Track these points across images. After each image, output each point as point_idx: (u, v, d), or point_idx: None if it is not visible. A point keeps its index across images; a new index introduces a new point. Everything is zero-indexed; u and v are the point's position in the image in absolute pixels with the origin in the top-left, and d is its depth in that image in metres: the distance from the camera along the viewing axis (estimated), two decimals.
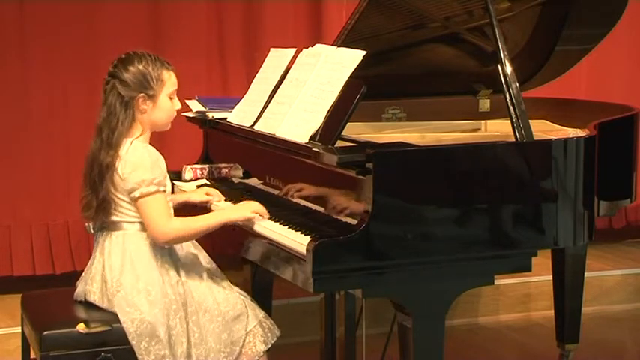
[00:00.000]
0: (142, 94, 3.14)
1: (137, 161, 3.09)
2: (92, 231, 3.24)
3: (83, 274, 3.25)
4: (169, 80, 3.20)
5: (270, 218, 3.18)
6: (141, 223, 3.15)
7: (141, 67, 3.15)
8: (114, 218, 3.16)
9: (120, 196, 3.13)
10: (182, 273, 3.17)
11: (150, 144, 3.21)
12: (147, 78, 3.14)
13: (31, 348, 3.27)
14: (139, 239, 3.15)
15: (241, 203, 3.26)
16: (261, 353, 3.20)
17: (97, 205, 3.14)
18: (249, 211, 3.17)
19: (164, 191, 3.14)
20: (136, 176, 3.08)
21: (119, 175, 3.11)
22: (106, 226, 3.19)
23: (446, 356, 3.02)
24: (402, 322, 3.01)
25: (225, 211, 3.23)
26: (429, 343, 2.99)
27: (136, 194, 3.08)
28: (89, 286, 3.18)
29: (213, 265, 3.30)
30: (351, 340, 3.71)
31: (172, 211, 3.23)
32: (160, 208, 3.11)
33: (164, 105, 3.19)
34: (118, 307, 3.08)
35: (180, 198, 3.47)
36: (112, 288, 3.11)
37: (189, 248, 3.26)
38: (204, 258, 3.28)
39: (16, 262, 4.73)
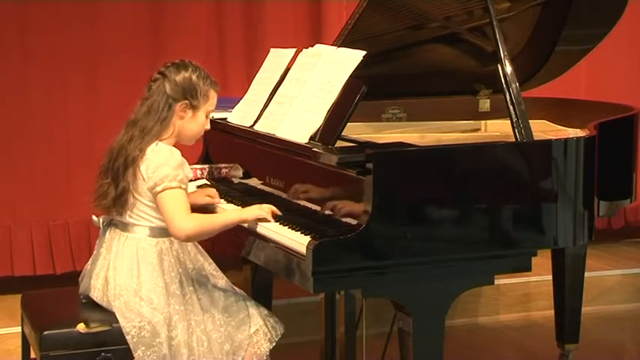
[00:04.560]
0: (186, 101, 3.17)
1: (161, 161, 3.10)
2: (100, 225, 3.24)
3: (88, 266, 3.24)
4: (212, 99, 3.24)
5: None
6: (151, 228, 3.15)
7: (194, 77, 3.18)
8: (127, 218, 3.16)
9: (137, 195, 3.13)
10: (188, 283, 3.16)
11: None
12: (196, 89, 3.18)
13: (31, 348, 3.27)
14: (148, 246, 3.15)
15: (255, 206, 3.21)
16: (267, 352, 3.20)
17: (116, 196, 3.13)
18: (262, 211, 3.15)
19: (185, 190, 3.14)
20: (159, 173, 3.08)
21: (142, 174, 3.11)
22: (116, 224, 3.19)
23: (446, 356, 3.02)
24: (401, 327, 3.00)
25: (241, 211, 3.21)
26: (429, 343, 2.99)
27: (158, 189, 3.07)
28: (93, 282, 3.18)
29: (218, 270, 3.30)
30: (351, 340, 3.70)
31: None
32: (181, 202, 3.10)
33: (200, 120, 3.22)
34: (117, 311, 3.07)
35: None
36: (114, 291, 3.10)
37: (197, 255, 3.26)
38: (209, 265, 3.29)
39: (16, 262, 4.73)
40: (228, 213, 3.24)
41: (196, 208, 3.36)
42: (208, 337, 3.11)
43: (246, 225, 3.18)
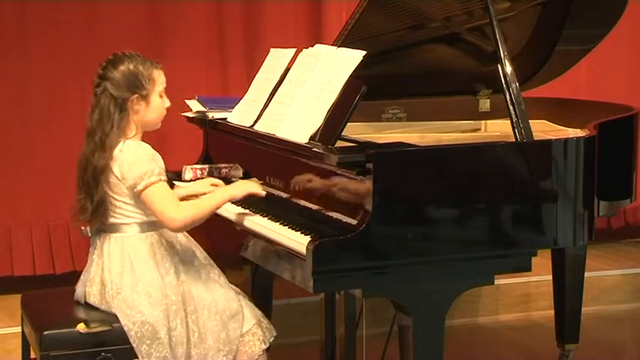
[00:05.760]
0: (135, 95, 3.14)
1: (133, 158, 3.10)
2: (89, 234, 3.23)
3: (82, 276, 3.25)
4: (159, 79, 3.20)
5: (270, 218, 3.18)
6: (139, 224, 3.16)
7: (132, 67, 3.15)
8: (112, 220, 3.16)
9: (117, 197, 3.13)
10: (181, 272, 3.17)
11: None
12: (138, 78, 3.14)
13: (31, 348, 3.27)
14: (138, 241, 3.15)
15: (240, 182, 3.29)
16: (261, 352, 3.20)
17: (93, 209, 3.13)
18: (249, 188, 3.19)
19: (166, 180, 3.14)
20: (136, 171, 3.08)
21: (116, 175, 3.11)
22: (104, 228, 3.19)
23: (446, 356, 3.02)
24: (401, 324, 3.00)
25: (227, 189, 3.25)
26: (429, 343, 2.99)
27: (140, 187, 3.08)
28: (88, 289, 3.18)
29: (210, 261, 3.30)
30: (351, 340, 3.71)
31: None
32: (167, 194, 3.12)
33: (156, 104, 3.20)
34: (118, 310, 3.08)
35: (184, 191, 3.44)
36: (112, 291, 3.11)
37: (187, 245, 3.27)
38: (200, 254, 3.29)
39: (16, 262, 4.74)
40: (216, 195, 3.23)
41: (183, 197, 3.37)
42: (205, 326, 3.12)
43: (244, 223, 3.18)
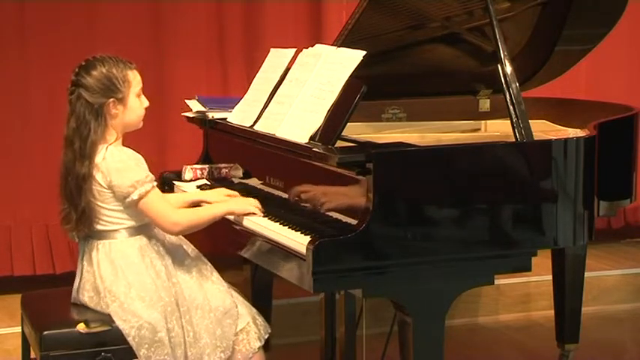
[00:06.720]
0: (111, 99, 3.11)
1: (120, 166, 3.07)
2: (77, 239, 3.22)
3: (76, 283, 3.22)
4: (134, 79, 3.16)
5: (270, 218, 3.18)
6: (127, 229, 3.14)
7: (104, 70, 3.10)
8: (98, 227, 3.14)
9: (102, 204, 3.11)
10: (172, 273, 3.16)
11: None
12: (112, 81, 3.10)
13: (31, 348, 3.27)
14: (126, 247, 3.14)
15: (242, 199, 3.30)
16: (256, 350, 3.20)
17: (78, 218, 3.11)
18: (249, 208, 3.20)
19: (156, 184, 3.14)
20: (126, 180, 3.06)
21: (100, 183, 3.08)
22: (91, 234, 3.17)
23: (446, 356, 3.02)
24: (401, 320, 3.00)
25: (228, 203, 3.26)
26: (429, 343, 2.99)
27: (135, 197, 3.06)
28: (81, 296, 3.17)
29: (202, 257, 3.29)
30: (351, 340, 3.70)
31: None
32: (162, 201, 3.13)
33: (134, 105, 3.16)
34: (114, 316, 3.07)
35: (194, 197, 3.44)
36: (106, 298, 3.09)
37: (178, 243, 3.26)
38: (192, 252, 3.28)
39: (16, 262, 4.73)
40: (216, 206, 3.25)
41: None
42: (199, 324, 3.11)
43: (244, 223, 3.19)
